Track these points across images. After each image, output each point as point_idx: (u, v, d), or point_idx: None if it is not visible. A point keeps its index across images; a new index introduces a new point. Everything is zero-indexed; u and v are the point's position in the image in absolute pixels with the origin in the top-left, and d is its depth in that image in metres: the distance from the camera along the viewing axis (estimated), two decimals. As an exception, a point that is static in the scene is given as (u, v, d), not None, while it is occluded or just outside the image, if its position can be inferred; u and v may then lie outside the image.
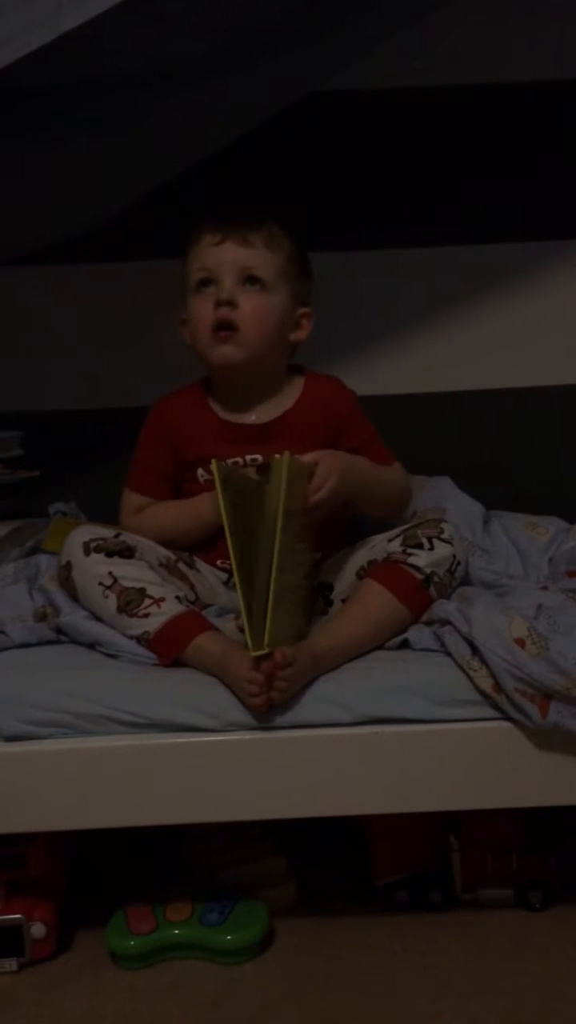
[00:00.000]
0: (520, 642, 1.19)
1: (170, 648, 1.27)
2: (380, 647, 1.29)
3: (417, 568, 1.29)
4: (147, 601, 1.28)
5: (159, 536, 1.40)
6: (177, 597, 1.31)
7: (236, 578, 1.16)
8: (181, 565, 1.39)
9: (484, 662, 1.20)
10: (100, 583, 1.29)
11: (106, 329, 1.87)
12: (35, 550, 1.55)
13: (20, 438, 1.77)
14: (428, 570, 1.30)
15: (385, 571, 1.29)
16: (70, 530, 1.39)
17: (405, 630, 1.29)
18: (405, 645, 1.29)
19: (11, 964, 1.26)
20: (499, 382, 1.89)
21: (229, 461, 1.36)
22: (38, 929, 1.26)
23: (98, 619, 1.32)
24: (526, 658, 1.18)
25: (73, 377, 1.88)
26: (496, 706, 1.21)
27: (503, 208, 1.84)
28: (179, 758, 1.21)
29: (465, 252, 1.86)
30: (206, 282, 1.37)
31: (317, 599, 1.41)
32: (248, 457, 1.37)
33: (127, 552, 1.31)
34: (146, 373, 1.77)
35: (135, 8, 1.13)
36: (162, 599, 1.29)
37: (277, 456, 1.24)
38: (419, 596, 1.29)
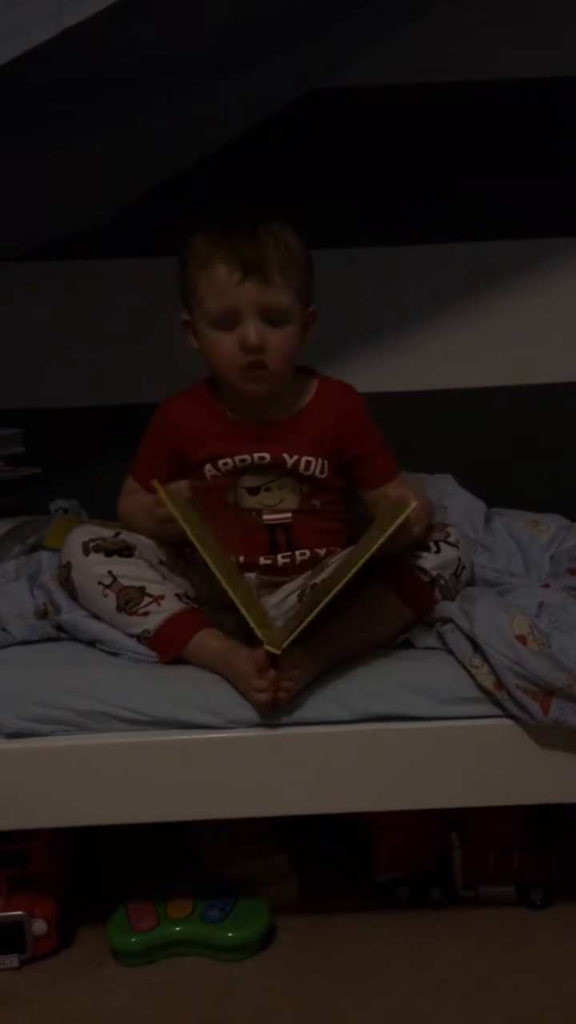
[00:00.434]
0: (522, 639, 1.19)
1: (170, 646, 1.27)
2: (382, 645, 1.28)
3: (423, 571, 1.30)
4: (147, 599, 1.29)
5: (128, 522, 1.41)
6: (177, 595, 1.31)
7: (224, 584, 1.16)
8: (182, 562, 1.39)
9: (486, 659, 1.20)
10: (100, 582, 1.30)
11: (107, 326, 1.87)
12: (36, 547, 1.56)
13: (21, 435, 1.77)
14: (434, 572, 1.30)
15: (391, 573, 1.29)
16: (72, 527, 1.39)
17: (408, 629, 1.30)
18: (407, 643, 1.29)
19: (12, 961, 1.26)
20: (501, 379, 1.89)
21: (236, 459, 1.36)
22: (39, 926, 1.26)
23: (98, 619, 1.32)
24: (528, 655, 1.18)
25: (74, 374, 1.88)
26: (498, 703, 1.21)
27: (504, 205, 1.84)
28: (181, 755, 1.21)
29: (466, 249, 1.86)
30: (228, 319, 1.32)
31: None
32: (256, 455, 1.36)
33: (126, 551, 1.32)
34: (147, 370, 1.77)
35: (135, 6, 1.13)
36: (162, 597, 1.29)
37: (402, 502, 1.24)
38: (424, 599, 1.30)
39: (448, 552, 1.32)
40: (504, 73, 1.81)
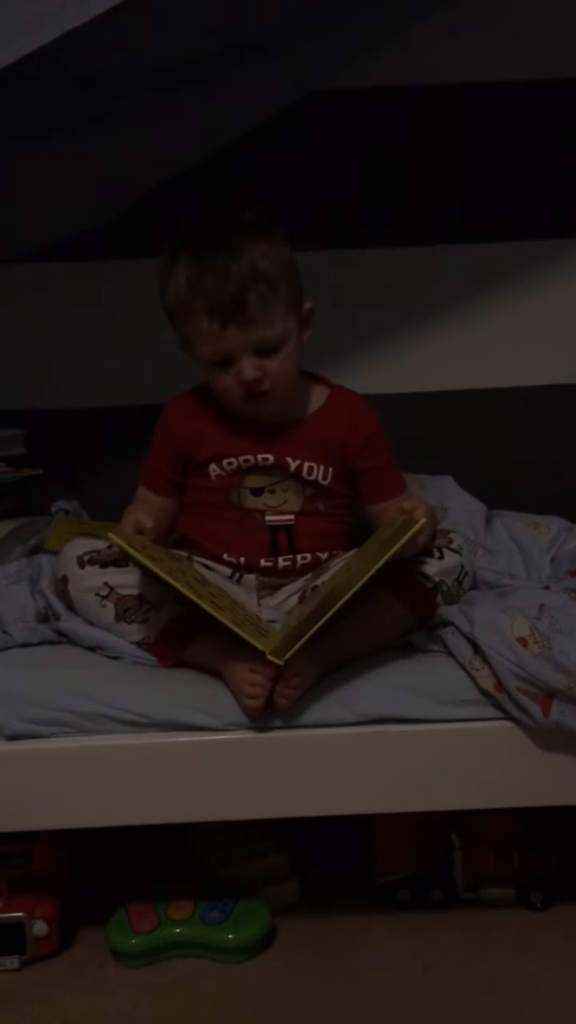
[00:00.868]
0: (522, 641, 1.19)
1: (170, 651, 1.28)
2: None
3: (427, 577, 1.30)
4: (145, 606, 1.29)
5: None
6: (175, 600, 1.30)
7: (210, 611, 1.15)
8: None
9: (486, 661, 1.21)
10: (97, 594, 1.30)
11: (108, 327, 1.86)
12: (38, 549, 1.55)
13: (23, 436, 1.77)
14: (437, 579, 1.30)
15: (395, 578, 1.29)
16: (73, 529, 1.39)
17: (410, 633, 1.30)
18: (407, 646, 1.29)
19: (13, 962, 1.26)
20: (501, 381, 1.88)
21: (240, 459, 1.36)
22: (40, 927, 1.26)
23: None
24: (528, 657, 1.18)
25: (75, 375, 1.88)
26: (498, 705, 1.21)
27: (505, 206, 1.83)
28: (181, 757, 1.21)
29: (467, 250, 1.85)
30: (223, 361, 1.30)
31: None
32: (260, 456, 1.36)
33: (121, 561, 1.31)
34: (149, 371, 1.77)
35: (138, 6, 1.13)
36: (160, 603, 1.29)
37: (411, 518, 1.24)
38: (427, 605, 1.30)
39: (451, 558, 1.32)
40: (507, 74, 1.80)
